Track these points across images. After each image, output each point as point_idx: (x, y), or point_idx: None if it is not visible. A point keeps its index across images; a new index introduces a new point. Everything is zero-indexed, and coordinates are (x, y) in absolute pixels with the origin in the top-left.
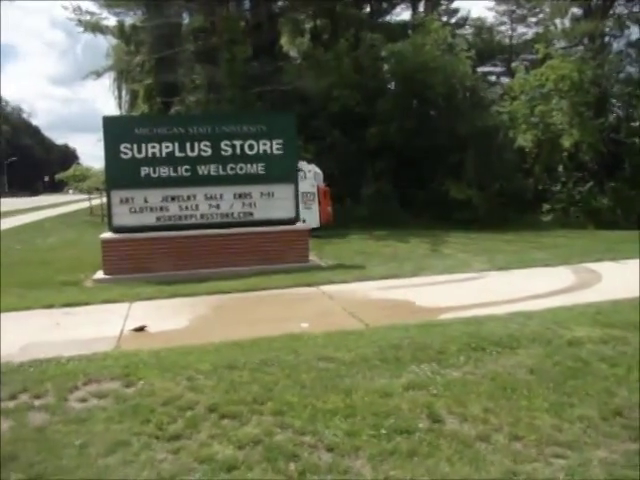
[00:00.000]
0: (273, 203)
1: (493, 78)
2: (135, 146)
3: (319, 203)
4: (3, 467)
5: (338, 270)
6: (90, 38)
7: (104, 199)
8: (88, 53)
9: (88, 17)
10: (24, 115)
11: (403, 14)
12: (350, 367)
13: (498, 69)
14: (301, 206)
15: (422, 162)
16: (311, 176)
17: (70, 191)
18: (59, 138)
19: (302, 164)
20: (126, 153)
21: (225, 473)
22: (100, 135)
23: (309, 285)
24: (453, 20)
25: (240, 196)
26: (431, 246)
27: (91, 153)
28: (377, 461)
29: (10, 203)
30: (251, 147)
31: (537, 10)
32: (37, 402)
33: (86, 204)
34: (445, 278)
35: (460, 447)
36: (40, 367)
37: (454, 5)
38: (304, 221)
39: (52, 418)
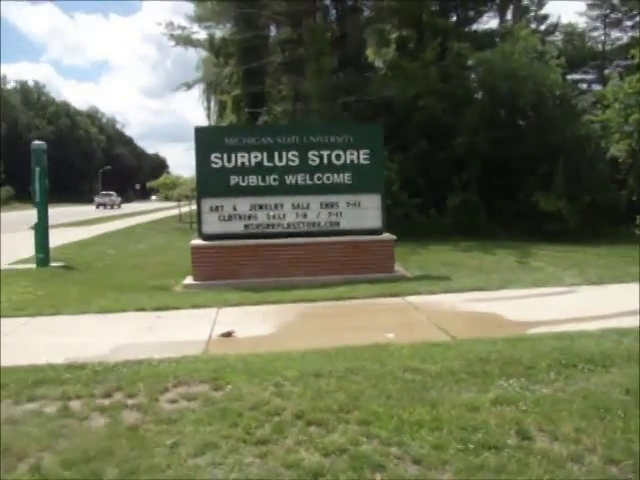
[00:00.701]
0: (359, 213)
1: (584, 86)
2: (225, 155)
3: None
4: (99, 460)
5: (424, 281)
6: (180, 52)
7: (192, 207)
8: (178, 66)
9: (180, 31)
10: (118, 126)
11: (490, 22)
12: (436, 379)
13: (590, 76)
14: None
15: (510, 172)
16: None
17: (153, 197)
18: (150, 147)
19: None
20: (216, 162)
21: None
22: (189, 145)
23: (394, 295)
24: (542, 27)
25: (327, 205)
26: (519, 258)
27: (180, 162)
28: (465, 476)
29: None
30: (338, 157)
31: (633, 13)
32: (130, 401)
33: (175, 211)
34: (534, 292)
35: (551, 467)
36: (133, 368)
37: (543, 11)
38: None
39: (144, 417)
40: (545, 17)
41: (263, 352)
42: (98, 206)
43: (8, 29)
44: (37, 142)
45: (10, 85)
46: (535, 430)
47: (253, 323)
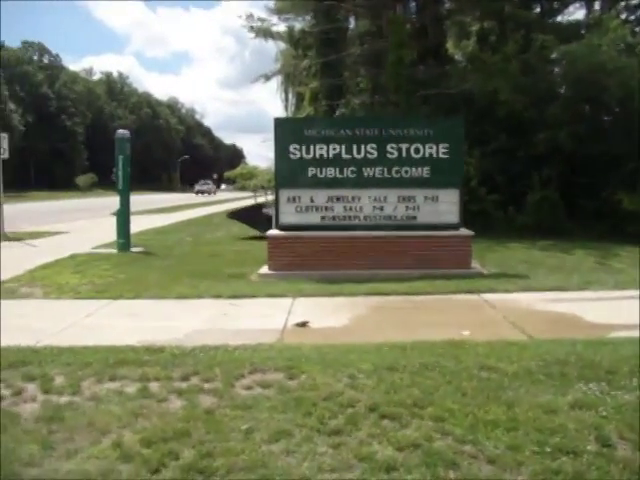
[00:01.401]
0: (437, 207)
1: None
2: (304, 147)
3: None
4: (177, 440)
5: (501, 279)
6: (257, 44)
7: (268, 197)
8: (255, 58)
9: (259, 24)
10: (197, 116)
11: (576, 13)
12: (513, 379)
13: None
14: None
15: (592, 170)
16: None
17: (223, 186)
18: (227, 138)
19: None
20: (295, 153)
21: (384, 473)
22: (265, 136)
23: (470, 292)
24: (633, 17)
25: (404, 199)
26: (600, 259)
27: (256, 152)
28: (540, 479)
29: (182, 198)
30: (417, 150)
31: None
32: (206, 385)
33: (250, 201)
34: (616, 294)
35: (635, 477)
36: (209, 353)
37: (635, 0)
38: None
39: (220, 402)
40: (637, 7)
41: (337, 343)
42: (197, 193)
43: (94, 23)
44: (121, 131)
45: (96, 76)
46: (616, 437)
47: (327, 314)
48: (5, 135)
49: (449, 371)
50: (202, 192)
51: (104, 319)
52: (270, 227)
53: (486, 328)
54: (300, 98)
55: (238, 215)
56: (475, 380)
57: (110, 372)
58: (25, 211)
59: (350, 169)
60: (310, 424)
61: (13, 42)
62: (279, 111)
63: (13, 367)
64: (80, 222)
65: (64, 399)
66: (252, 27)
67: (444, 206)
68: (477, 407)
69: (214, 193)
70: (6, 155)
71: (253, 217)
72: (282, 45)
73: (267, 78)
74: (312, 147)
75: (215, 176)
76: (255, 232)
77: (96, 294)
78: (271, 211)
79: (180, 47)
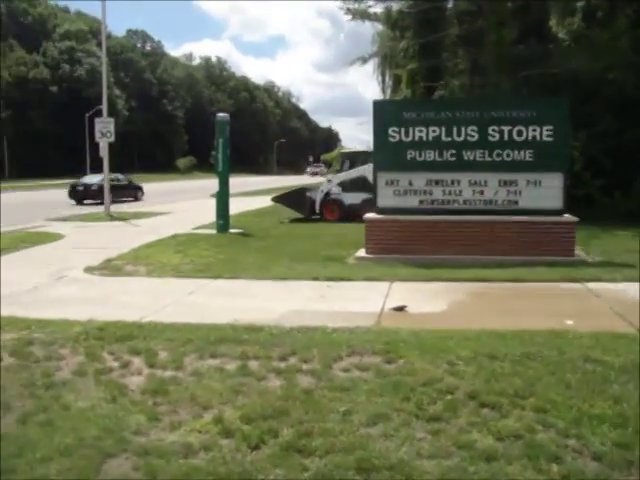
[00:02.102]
0: (540, 192)
1: None
2: (403, 130)
3: None
4: (276, 419)
5: (606, 267)
6: (353, 26)
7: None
8: (351, 41)
9: (356, 5)
10: (293, 99)
11: None
12: (620, 373)
13: None
14: None
15: None
16: None
17: (308, 169)
18: (323, 121)
19: None
20: (394, 136)
21: (484, 463)
22: (361, 119)
23: (574, 281)
24: None
25: (505, 183)
26: None
27: (352, 136)
28: None
29: (279, 180)
30: (520, 133)
31: None
32: (304, 366)
33: None
34: None
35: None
36: (307, 334)
37: None
38: None
39: (318, 383)
40: None
41: (435, 329)
42: (313, 175)
43: (193, 9)
44: (221, 114)
45: (195, 62)
46: None
47: (425, 299)
48: (111, 119)
49: (552, 361)
50: (315, 174)
51: (204, 297)
52: (313, 211)
53: (591, 318)
54: (397, 80)
55: (282, 198)
56: (579, 372)
57: (211, 349)
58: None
59: (450, 152)
60: (408, 409)
61: (118, 31)
62: (375, 94)
63: (120, 341)
64: (180, 203)
65: (168, 373)
66: (349, 9)
67: (547, 191)
68: (582, 400)
69: (325, 175)
70: (112, 139)
71: (297, 201)
72: (379, 27)
73: (364, 60)
74: (411, 129)
75: (311, 159)
76: (298, 215)
77: (196, 273)
78: (314, 195)
79: (276, 31)
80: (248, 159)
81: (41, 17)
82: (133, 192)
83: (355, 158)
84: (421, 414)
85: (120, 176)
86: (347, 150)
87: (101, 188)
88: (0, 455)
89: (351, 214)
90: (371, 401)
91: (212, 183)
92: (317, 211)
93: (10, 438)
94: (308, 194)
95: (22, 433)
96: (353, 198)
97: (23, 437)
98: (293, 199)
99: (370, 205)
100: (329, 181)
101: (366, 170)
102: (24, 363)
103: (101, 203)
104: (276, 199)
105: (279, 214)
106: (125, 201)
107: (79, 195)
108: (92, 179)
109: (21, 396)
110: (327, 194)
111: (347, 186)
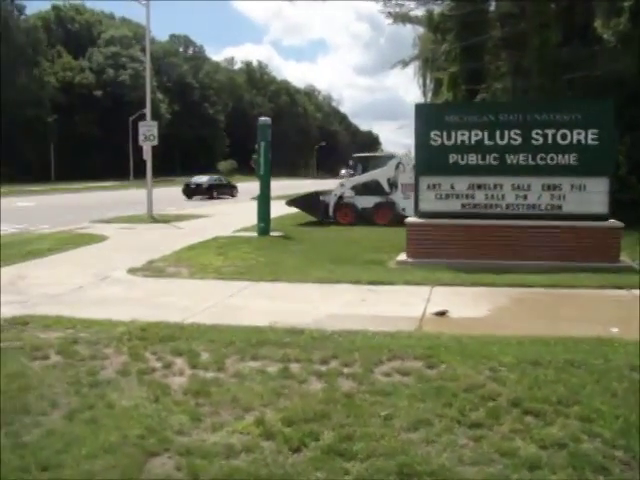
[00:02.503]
0: (584, 197)
1: None
2: (445, 133)
3: None
4: (317, 422)
5: None
6: (393, 30)
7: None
8: (391, 44)
9: (397, 9)
10: (333, 103)
11: None
12: None
13: None
14: (401, 196)
15: None
16: (410, 169)
17: (342, 172)
18: (363, 125)
19: (403, 158)
20: (436, 140)
21: (527, 471)
22: (402, 122)
23: (619, 287)
24: None
25: (549, 187)
26: None
27: (392, 139)
28: None
29: (319, 184)
30: (564, 136)
31: None
32: (346, 370)
33: None
34: None
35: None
36: (348, 337)
37: None
38: (404, 209)
39: (359, 387)
40: None
41: (477, 334)
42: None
43: (234, 14)
44: (263, 118)
45: (237, 66)
46: None
47: (467, 304)
48: (155, 123)
49: (597, 370)
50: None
51: (245, 300)
52: (327, 214)
53: (637, 326)
54: (438, 83)
55: (297, 202)
56: (626, 381)
57: (252, 351)
58: (170, 195)
59: (492, 156)
60: (450, 415)
61: (162, 36)
62: (416, 97)
63: (163, 341)
64: (221, 206)
65: (209, 374)
66: (390, 12)
67: (592, 195)
68: (629, 410)
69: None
70: (156, 142)
71: (311, 204)
72: (420, 30)
73: (405, 64)
74: (453, 133)
75: (351, 162)
76: (311, 219)
77: (238, 276)
78: (327, 198)
79: (316, 35)
80: (289, 163)
81: (87, 24)
82: (230, 190)
83: (367, 162)
84: (463, 420)
85: (222, 177)
86: (359, 155)
87: (210, 186)
88: (47, 450)
89: (364, 217)
90: (412, 406)
91: (253, 186)
92: (330, 214)
93: (57, 434)
94: (322, 198)
95: (68, 430)
96: (366, 201)
97: (69, 433)
98: (307, 202)
99: (383, 208)
100: (342, 185)
101: (378, 174)
102: (70, 361)
103: (210, 198)
104: (290, 202)
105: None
106: (224, 198)
107: (191, 192)
108: (202, 179)
109: (67, 393)
110: (340, 198)
111: (360, 190)
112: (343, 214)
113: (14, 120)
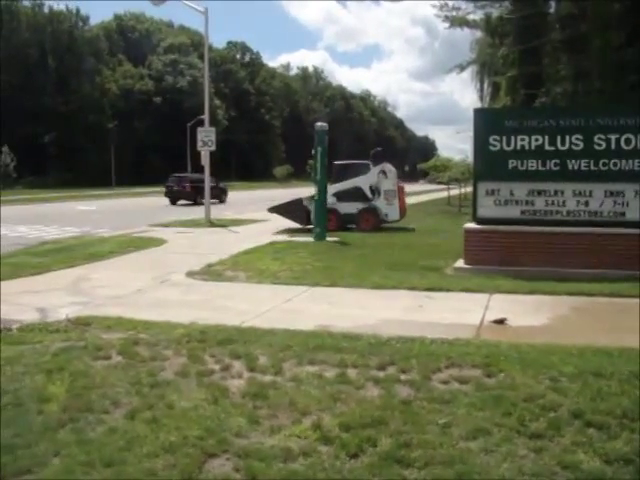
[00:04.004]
0: None
1: None
2: (504, 138)
3: (399, 199)
4: (374, 428)
5: None
6: (448, 34)
7: (462, 190)
8: (446, 49)
9: (454, 13)
10: (389, 108)
11: None
12: None
13: None
14: (384, 202)
15: None
16: (392, 176)
17: (421, 181)
18: (419, 130)
19: (385, 165)
20: (495, 145)
21: None
22: (458, 127)
23: None
24: None
25: (611, 194)
26: None
27: (449, 145)
28: None
29: None
30: (628, 141)
31: None
32: (403, 376)
33: (442, 194)
34: None
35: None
36: (406, 344)
37: None
38: (386, 215)
39: (417, 394)
40: None
41: (537, 343)
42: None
43: (289, 21)
44: (320, 123)
45: (293, 72)
46: None
47: (526, 312)
48: (213, 129)
49: None
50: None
51: (302, 304)
52: (309, 221)
53: None
54: (496, 88)
55: (279, 209)
56: None
57: (309, 356)
58: (228, 200)
59: (553, 161)
60: (509, 424)
61: (219, 43)
62: (472, 102)
63: (221, 344)
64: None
65: (267, 378)
66: (447, 16)
67: None
68: None
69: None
70: (213, 147)
71: (294, 211)
72: (478, 34)
73: (462, 68)
74: (513, 138)
75: (407, 168)
76: (294, 225)
77: (294, 280)
78: (309, 205)
79: (370, 40)
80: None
81: (147, 32)
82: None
83: (348, 170)
84: (523, 430)
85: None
86: (340, 162)
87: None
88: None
89: (347, 223)
90: (471, 414)
91: (309, 191)
92: (312, 221)
93: (119, 432)
94: (305, 203)
95: (130, 428)
96: (348, 208)
97: (131, 432)
98: (290, 209)
99: (367, 214)
100: None
101: (361, 181)
102: (131, 362)
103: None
104: (273, 209)
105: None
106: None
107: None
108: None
109: (128, 393)
110: None
111: (342, 196)
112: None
113: (77, 127)
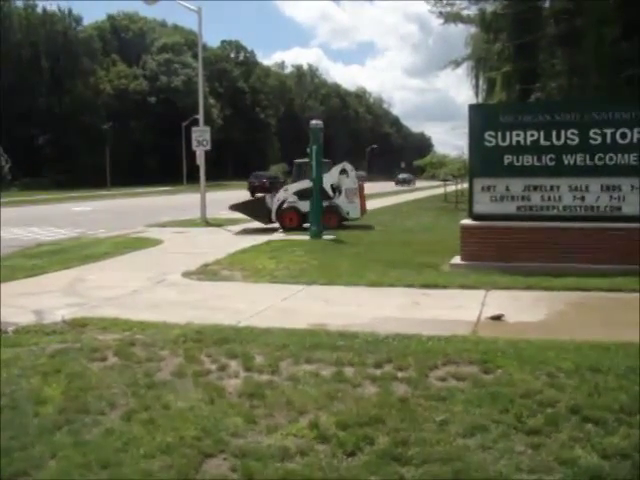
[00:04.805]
0: None
1: None
2: (499, 134)
3: (359, 197)
4: (371, 426)
5: None
6: (442, 30)
7: (457, 186)
8: (440, 45)
9: (448, 8)
10: (384, 105)
11: None
12: None
13: None
14: (345, 201)
15: None
16: (353, 175)
17: (399, 176)
18: (415, 126)
19: (346, 165)
20: (490, 141)
21: None
22: (454, 123)
23: None
24: None
25: (608, 188)
26: None
27: (444, 141)
28: None
29: (369, 187)
30: (623, 136)
31: None
32: (400, 374)
33: (438, 190)
34: None
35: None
36: (402, 342)
37: None
38: (348, 213)
39: (414, 391)
40: None
41: (534, 339)
42: (397, 183)
43: (284, 19)
44: (315, 121)
45: (287, 70)
46: None
47: (523, 308)
48: (207, 128)
49: None
50: (404, 182)
51: (299, 303)
52: (270, 219)
53: None
54: (491, 83)
55: (240, 207)
56: None
57: (306, 355)
58: (222, 199)
59: (549, 156)
60: (507, 421)
61: (213, 42)
62: (468, 98)
63: (217, 344)
64: None
65: (264, 377)
66: (441, 12)
67: None
68: None
69: (413, 183)
70: (209, 147)
71: (256, 209)
72: (472, 29)
73: (457, 64)
74: (508, 134)
75: (403, 165)
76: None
77: (291, 279)
78: (270, 203)
79: (364, 37)
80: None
81: (141, 32)
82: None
83: (306, 167)
84: (520, 426)
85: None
86: (300, 160)
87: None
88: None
89: (309, 221)
90: (468, 411)
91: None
92: (273, 219)
93: (116, 433)
94: (267, 201)
95: (127, 429)
96: (310, 206)
97: (128, 433)
98: (252, 208)
99: (329, 212)
100: (285, 190)
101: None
102: (127, 363)
103: None
104: (234, 207)
105: (371, 220)
106: None
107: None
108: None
109: (125, 394)
110: (282, 202)
111: (303, 194)
112: (288, 218)
113: (72, 128)
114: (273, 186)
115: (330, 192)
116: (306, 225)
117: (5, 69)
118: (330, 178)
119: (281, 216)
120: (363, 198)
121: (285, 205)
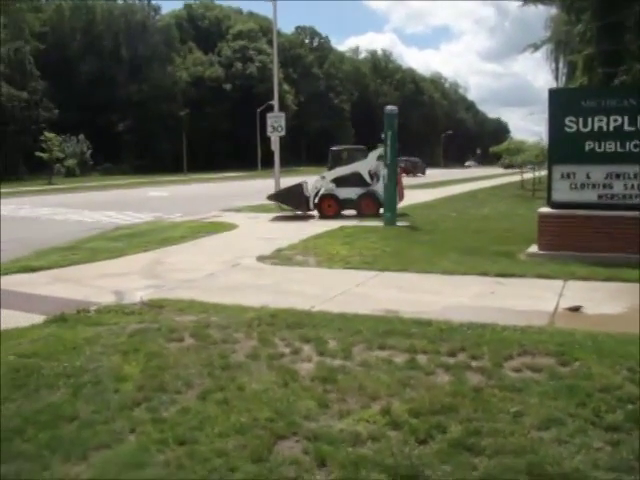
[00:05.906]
0: None
1: None
2: (581, 119)
3: (398, 183)
4: (444, 414)
5: None
6: (518, 13)
7: (535, 173)
8: (516, 28)
9: None
10: (460, 90)
11: None
12: None
13: None
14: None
15: None
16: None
17: (467, 163)
18: (491, 112)
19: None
20: (571, 127)
21: None
22: (531, 109)
23: None
24: None
25: None
26: None
27: (522, 127)
28: None
29: (445, 173)
30: None
31: None
32: (474, 363)
33: (515, 178)
34: None
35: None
36: (477, 331)
37: None
38: None
39: (488, 381)
40: None
41: (614, 332)
42: (466, 166)
43: (358, 4)
44: (390, 107)
45: (362, 55)
46: None
47: (602, 300)
48: (282, 114)
49: None
50: (469, 166)
51: (372, 289)
52: (309, 207)
53: None
54: (572, 67)
55: (278, 197)
56: None
57: (379, 341)
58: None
59: (633, 143)
60: (584, 415)
61: (287, 28)
62: (547, 82)
63: (291, 328)
64: None
65: (337, 362)
66: None
67: None
68: None
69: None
70: (283, 133)
71: (294, 198)
72: (552, 10)
73: (536, 47)
74: (590, 119)
75: (478, 151)
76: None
77: (364, 265)
78: (308, 192)
79: (439, 21)
80: (415, 152)
81: (217, 19)
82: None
83: (345, 155)
84: (598, 422)
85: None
86: (337, 148)
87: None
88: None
89: (346, 209)
90: (544, 404)
91: None
92: (312, 207)
93: (192, 412)
94: (305, 192)
95: (202, 409)
96: (347, 193)
97: (203, 412)
98: (289, 196)
99: (367, 199)
100: (323, 177)
101: (359, 166)
102: (202, 344)
103: None
104: (272, 197)
105: (447, 207)
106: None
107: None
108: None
109: (200, 375)
110: (319, 190)
111: (341, 182)
112: (327, 206)
113: (150, 115)
114: (414, 167)
115: (368, 179)
116: (344, 213)
117: (89, 59)
118: (368, 164)
119: (319, 204)
120: (401, 184)
121: (323, 192)
